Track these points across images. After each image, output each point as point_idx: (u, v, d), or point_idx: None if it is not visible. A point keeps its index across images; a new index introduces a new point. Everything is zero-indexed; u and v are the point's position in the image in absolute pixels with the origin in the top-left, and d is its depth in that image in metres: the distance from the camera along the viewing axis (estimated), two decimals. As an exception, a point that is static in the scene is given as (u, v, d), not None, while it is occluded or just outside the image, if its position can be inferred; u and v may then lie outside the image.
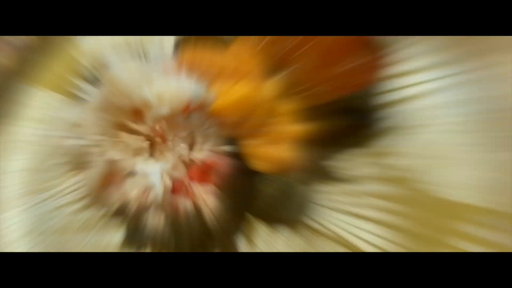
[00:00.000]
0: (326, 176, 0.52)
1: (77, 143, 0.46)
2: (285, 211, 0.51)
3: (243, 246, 0.51)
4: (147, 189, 0.43)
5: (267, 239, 0.51)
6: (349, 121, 0.51)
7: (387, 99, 0.55)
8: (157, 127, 0.44)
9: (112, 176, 0.45)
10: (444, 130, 0.54)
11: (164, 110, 0.43)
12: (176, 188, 0.44)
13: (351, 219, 0.51)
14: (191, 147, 0.46)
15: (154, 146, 0.45)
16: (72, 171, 0.47)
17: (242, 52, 0.51)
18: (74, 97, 0.49)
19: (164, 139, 0.44)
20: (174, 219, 0.44)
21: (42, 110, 0.59)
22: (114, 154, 0.44)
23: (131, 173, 0.44)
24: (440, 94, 0.56)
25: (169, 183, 0.43)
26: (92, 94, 0.47)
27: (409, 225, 0.50)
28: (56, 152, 0.52)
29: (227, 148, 0.47)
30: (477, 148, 0.53)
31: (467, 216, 0.50)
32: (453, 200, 0.51)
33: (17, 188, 0.55)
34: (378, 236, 0.50)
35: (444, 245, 0.49)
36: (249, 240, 0.51)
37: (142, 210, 0.43)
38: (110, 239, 0.52)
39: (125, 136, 0.44)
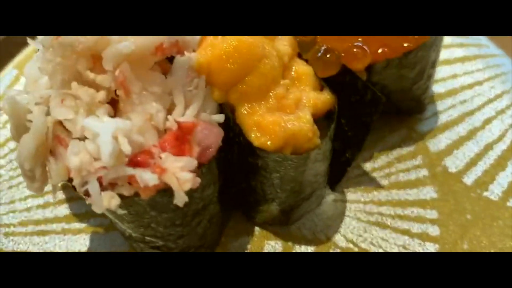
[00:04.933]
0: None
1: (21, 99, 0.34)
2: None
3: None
4: (95, 156, 0.30)
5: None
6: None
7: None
8: (118, 73, 0.31)
9: (54, 142, 0.32)
10: None
11: (127, 47, 0.31)
12: (139, 158, 0.31)
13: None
14: (169, 110, 0.33)
15: (114, 103, 0.33)
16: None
17: None
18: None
19: (128, 92, 0.32)
20: (129, 202, 0.30)
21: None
22: (60, 112, 0.32)
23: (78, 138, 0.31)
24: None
25: (128, 149, 0.30)
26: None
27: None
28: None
29: (217, 116, 0.34)
30: None
31: None
32: None
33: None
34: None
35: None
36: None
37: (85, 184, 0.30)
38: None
39: (77, 89, 0.32)
